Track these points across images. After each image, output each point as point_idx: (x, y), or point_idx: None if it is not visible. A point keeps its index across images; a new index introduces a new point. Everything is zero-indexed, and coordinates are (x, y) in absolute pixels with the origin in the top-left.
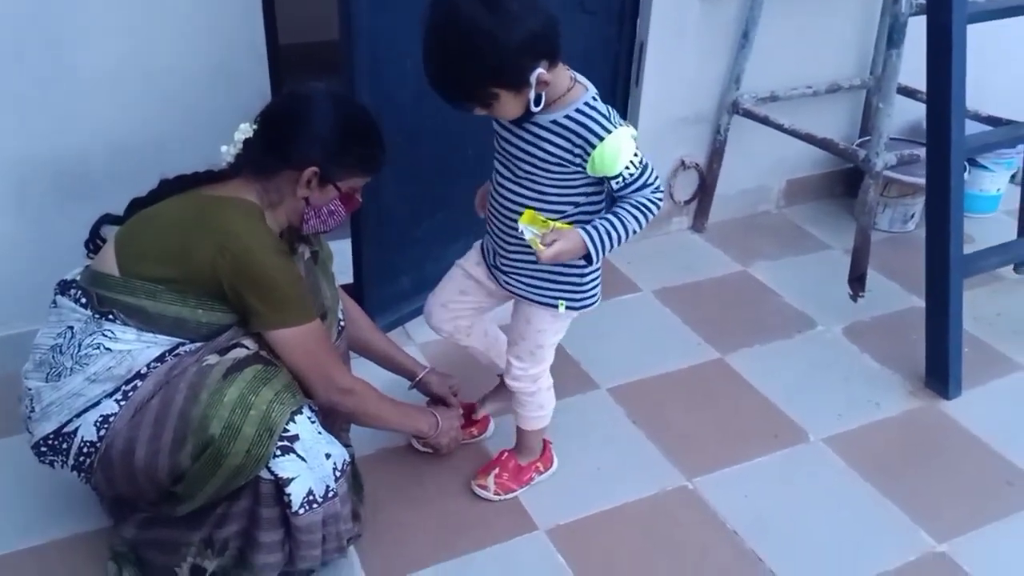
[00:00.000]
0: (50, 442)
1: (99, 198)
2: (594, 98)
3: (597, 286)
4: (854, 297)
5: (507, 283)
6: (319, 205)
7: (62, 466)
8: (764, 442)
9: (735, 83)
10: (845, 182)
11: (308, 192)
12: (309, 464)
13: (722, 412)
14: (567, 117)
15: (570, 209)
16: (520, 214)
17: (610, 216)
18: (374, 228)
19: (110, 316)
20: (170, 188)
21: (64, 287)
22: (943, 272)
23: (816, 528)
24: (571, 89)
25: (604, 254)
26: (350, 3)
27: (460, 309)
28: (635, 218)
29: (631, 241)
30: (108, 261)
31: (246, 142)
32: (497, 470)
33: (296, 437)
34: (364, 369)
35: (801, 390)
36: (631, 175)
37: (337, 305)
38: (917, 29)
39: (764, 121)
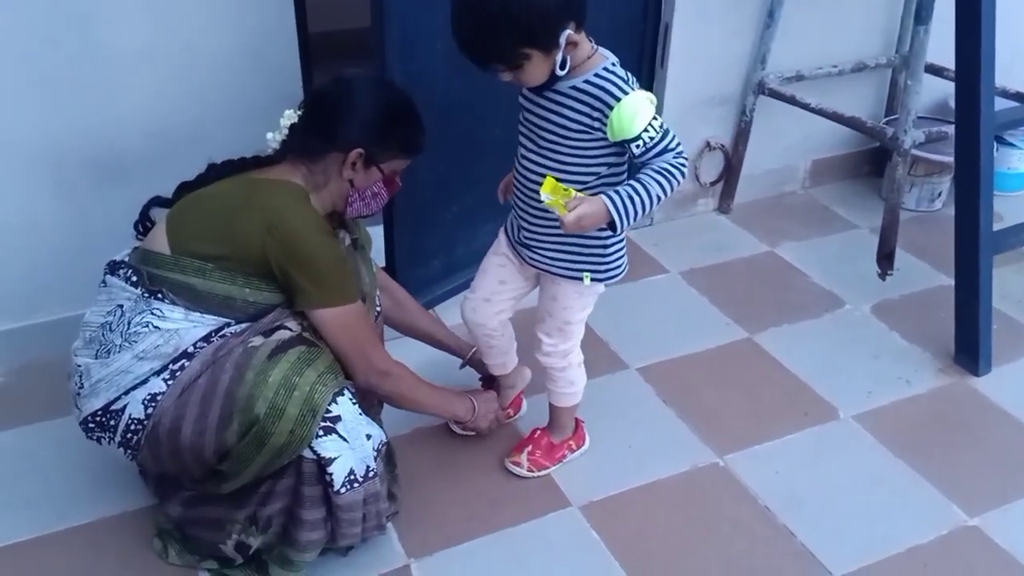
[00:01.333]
0: (98, 418)
1: (133, 181)
2: (613, 64)
3: (622, 257)
4: (882, 275)
5: (531, 258)
6: (363, 187)
7: (109, 443)
8: (795, 420)
9: (760, 63)
10: (871, 162)
11: (353, 174)
12: (351, 444)
13: (752, 391)
14: (586, 82)
15: (592, 180)
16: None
17: (632, 182)
18: (406, 211)
19: (159, 295)
20: (217, 172)
21: (114, 267)
22: (973, 249)
23: (848, 503)
24: (591, 56)
25: (629, 221)
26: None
27: (502, 301)
28: (659, 183)
29: (657, 223)
30: (159, 240)
31: (292, 127)
32: (530, 447)
33: (338, 418)
34: (407, 349)
35: (830, 368)
36: (651, 139)
37: (375, 291)
38: (943, 5)
39: (791, 101)
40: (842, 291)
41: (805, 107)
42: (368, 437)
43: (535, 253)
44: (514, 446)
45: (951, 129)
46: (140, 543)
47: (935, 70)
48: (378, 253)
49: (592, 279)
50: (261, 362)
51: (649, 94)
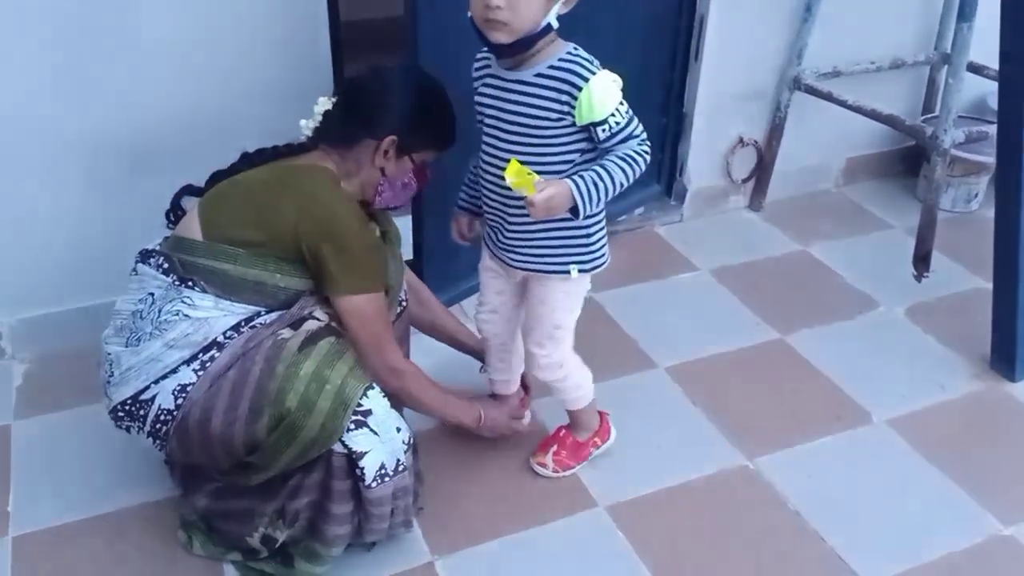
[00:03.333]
0: (128, 407)
1: (163, 171)
2: (576, 47)
3: (605, 244)
4: (918, 277)
5: (514, 260)
6: (394, 177)
7: (138, 432)
8: (826, 423)
9: (797, 58)
10: (906, 160)
11: (385, 162)
12: (381, 438)
13: (783, 393)
14: (551, 67)
15: (567, 168)
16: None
17: (596, 167)
18: (434, 204)
19: (190, 283)
20: (250, 161)
21: (145, 255)
22: (1012, 252)
23: (880, 509)
24: (554, 42)
25: (591, 206)
26: None
27: (508, 310)
28: (622, 170)
29: (687, 219)
30: (192, 227)
31: (325, 114)
32: (555, 447)
33: (369, 412)
34: (427, 347)
35: (863, 371)
36: (617, 124)
37: (401, 286)
38: (984, 2)
39: (827, 98)
40: (876, 292)
41: (842, 104)
42: (398, 430)
43: (517, 254)
44: (539, 445)
45: (991, 129)
46: (164, 534)
47: (975, 68)
48: (406, 246)
49: (580, 270)
50: (291, 354)
51: (615, 75)
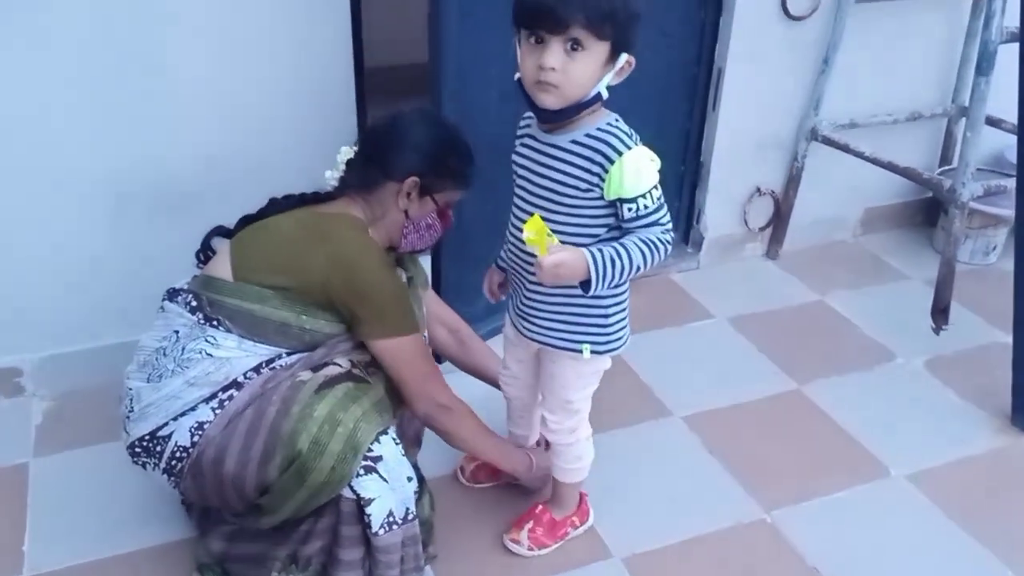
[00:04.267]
0: (145, 443)
1: (190, 214)
2: (617, 119)
3: (624, 328)
4: (937, 330)
5: (527, 329)
6: (418, 219)
7: (154, 468)
8: (844, 476)
9: (814, 109)
10: (924, 211)
11: (408, 204)
12: (391, 485)
13: (800, 444)
14: (588, 135)
15: (590, 243)
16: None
17: (617, 245)
18: (454, 247)
19: (215, 322)
20: (278, 207)
21: (173, 294)
22: None
23: (899, 566)
24: (596, 111)
25: (603, 284)
26: (440, 27)
27: (528, 378)
28: (642, 253)
29: (704, 266)
30: (222, 267)
31: (348, 162)
32: (531, 524)
33: (380, 458)
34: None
35: (882, 424)
36: (646, 207)
37: (423, 330)
38: (1002, 56)
39: (845, 149)
40: (894, 344)
41: (859, 156)
42: (409, 479)
43: (532, 324)
44: (514, 521)
45: (1010, 182)
46: (180, 575)
47: (993, 122)
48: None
49: (592, 351)
50: (308, 396)
51: (652, 154)
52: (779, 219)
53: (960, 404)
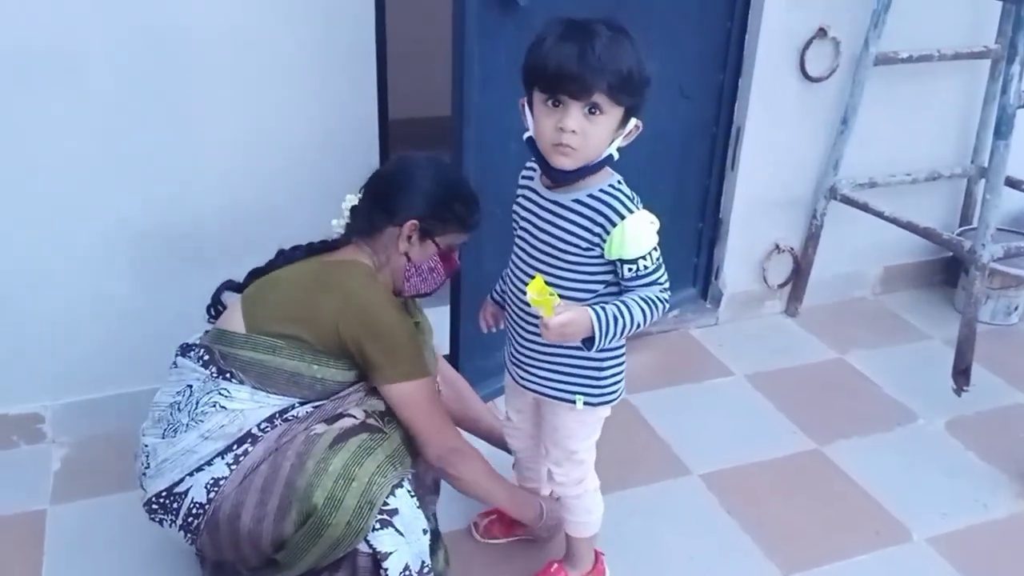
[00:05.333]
0: (162, 500)
1: (208, 262)
2: (619, 181)
3: (619, 381)
4: (958, 391)
5: (522, 378)
6: (419, 262)
7: (171, 525)
8: (865, 539)
9: (833, 168)
10: (944, 270)
11: (409, 247)
12: (407, 539)
13: (820, 505)
14: (590, 196)
15: (589, 297)
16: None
17: (619, 303)
18: (472, 301)
19: (228, 375)
20: (287, 257)
21: (185, 349)
22: None
23: None
24: (599, 172)
25: (607, 340)
26: (463, 83)
27: (529, 428)
28: (642, 311)
29: (723, 322)
30: (234, 320)
31: (352, 209)
32: None
33: (396, 511)
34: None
35: (903, 486)
36: (646, 268)
37: (435, 377)
38: (1021, 118)
39: (864, 208)
40: (914, 404)
41: (879, 215)
42: (424, 532)
43: (527, 373)
44: None
45: None
46: None
47: (1013, 183)
48: (442, 342)
49: (585, 403)
50: (323, 450)
51: (652, 216)
52: (798, 276)
53: (982, 466)
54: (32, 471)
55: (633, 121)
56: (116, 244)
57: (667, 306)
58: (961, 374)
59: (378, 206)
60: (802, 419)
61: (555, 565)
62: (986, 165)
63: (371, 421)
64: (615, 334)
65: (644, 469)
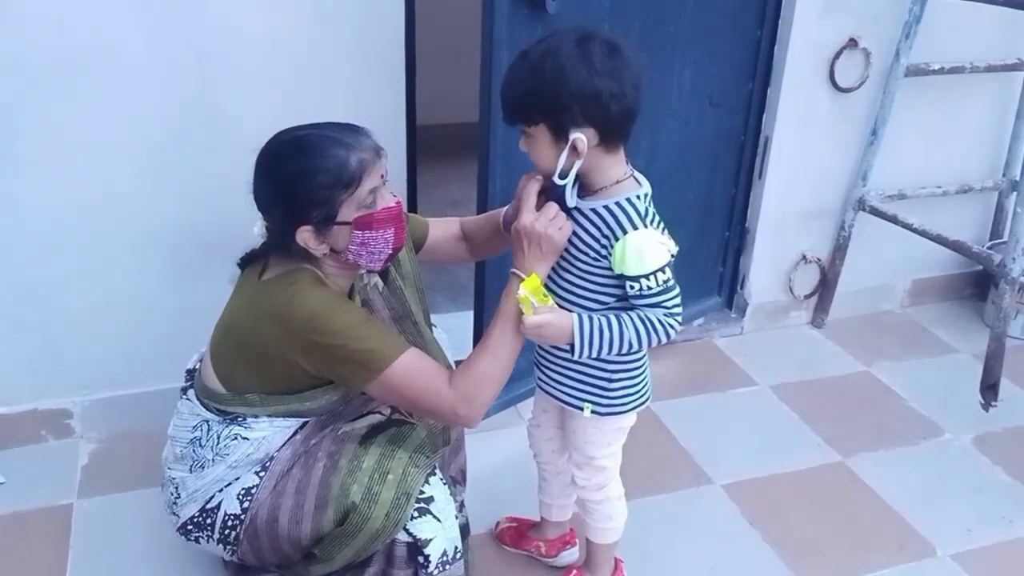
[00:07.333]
0: (195, 520)
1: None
2: (639, 196)
3: (631, 395)
4: (986, 406)
5: (541, 379)
6: (351, 243)
7: (208, 541)
8: (888, 553)
9: (862, 179)
10: (974, 284)
11: (323, 245)
12: (443, 524)
13: (843, 518)
14: (605, 207)
15: (598, 308)
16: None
17: (611, 316)
18: (494, 298)
19: (239, 418)
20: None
21: (191, 374)
22: None
23: None
24: (621, 181)
25: (588, 351)
26: (491, 89)
27: (550, 428)
28: (636, 330)
29: (747, 332)
30: (213, 378)
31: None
32: None
33: (431, 499)
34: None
35: (928, 501)
36: (649, 288)
37: (426, 318)
38: None
39: (893, 220)
40: (941, 418)
41: (908, 227)
42: (456, 517)
43: (544, 375)
44: None
45: None
46: None
47: None
48: (466, 344)
49: (592, 411)
50: (353, 448)
51: (666, 240)
52: (825, 287)
53: (1009, 483)
54: (60, 465)
55: (572, 136)
56: (151, 244)
57: (672, 332)
58: (989, 389)
59: (271, 228)
60: (826, 431)
61: (575, 571)
62: (1017, 178)
63: (397, 416)
64: (599, 346)
65: (666, 477)
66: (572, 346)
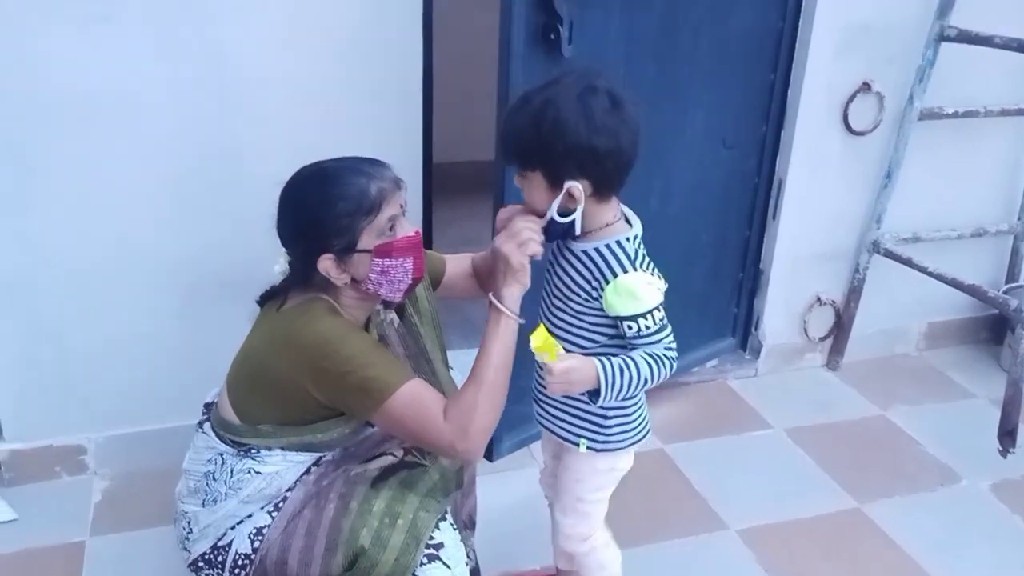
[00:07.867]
0: (207, 557)
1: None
2: (628, 239)
3: (627, 431)
4: (1004, 452)
5: (539, 414)
6: (371, 272)
7: None
8: None
9: (876, 222)
10: (990, 328)
11: (344, 275)
12: (453, 571)
13: (860, 566)
14: (595, 249)
15: (592, 347)
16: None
17: (626, 358)
18: None
19: (254, 450)
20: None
21: (208, 407)
22: None
23: None
24: (611, 224)
25: (612, 393)
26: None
27: (553, 468)
28: (649, 367)
29: (762, 374)
30: (228, 409)
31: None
32: None
33: (441, 544)
34: None
35: (946, 549)
36: (647, 328)
37: (443, 356)
38: None
39: (907, 263)
40: (958, 464)
41: (923, 271)
42: (466, 564)
43: (542, 408)
44: None
45: None
46: None
47: None
48: None
49: (588, 447)
50: (364, 491)
51: (655, 280)
52: (840, 330)
53: None
54: (74, 502)
55: (567, 185)
56: (167, 282)
57: (674, 365)
58: (1007, 435)
59: (292, 260)
60: (842, 476)
61: None
62: None
63: (410, 458)
64: (622, 386)
65: (679, 522)
66: (596, 393)
